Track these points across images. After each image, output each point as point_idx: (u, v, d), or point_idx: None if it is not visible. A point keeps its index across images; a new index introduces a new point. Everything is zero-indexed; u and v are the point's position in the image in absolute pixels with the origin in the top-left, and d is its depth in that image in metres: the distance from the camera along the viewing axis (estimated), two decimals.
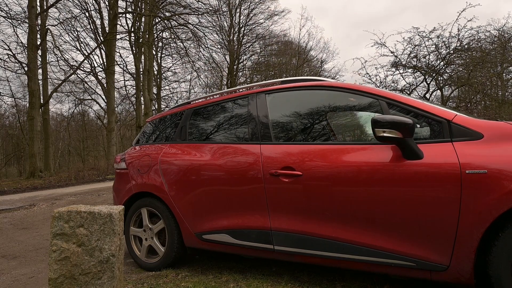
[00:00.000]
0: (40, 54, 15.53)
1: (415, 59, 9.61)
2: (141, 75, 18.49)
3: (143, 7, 17.69)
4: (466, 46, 9.16)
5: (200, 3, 17.22)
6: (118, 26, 16.85)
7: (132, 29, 17.66)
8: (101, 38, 17.20)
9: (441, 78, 9.84)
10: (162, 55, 23.23)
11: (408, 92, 10.01)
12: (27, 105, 16.51)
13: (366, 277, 2.32)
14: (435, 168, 1.74)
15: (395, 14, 46.75)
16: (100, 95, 20.44)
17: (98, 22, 17.31)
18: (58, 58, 16.28)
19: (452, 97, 10.70)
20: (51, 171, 16.28)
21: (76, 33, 17.25)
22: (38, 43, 14.95)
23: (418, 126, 2.01)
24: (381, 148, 1.94)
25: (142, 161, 2.99)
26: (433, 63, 9.51)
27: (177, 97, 24.39)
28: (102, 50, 17.96)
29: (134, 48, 18.59)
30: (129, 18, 18.52)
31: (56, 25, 16.26)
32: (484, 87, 9.76)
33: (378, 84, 10.06)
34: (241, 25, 24.73)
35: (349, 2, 48.39)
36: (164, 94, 24.19)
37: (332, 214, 2.03)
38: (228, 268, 2.73)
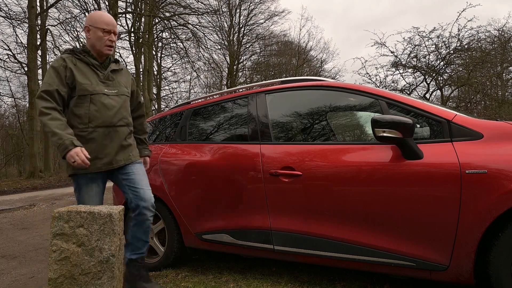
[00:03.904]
0: (40, 54, 15.52)
1: (415, 59, 9.62)
2: (141, 75, 18.49)
3: (143, 7, 17.69)
4: (466, 46, 9.16)
5: (200, 3, 17.21)
6: (118, 26, 16.84)
7: (132, 29, 17.65)
8: None
9: (441, 78, 9.85)
10: (162, 55, 23.22)
11: (408, 92, 10.02)
12: (27, 105, 16.51)
13: (366, 277, 2.32)
14: (435, 168, 1.74)
15: (394, 17, 46.76)
16: None
17: None
18: None
19: (452, 97, 10.71)
20: (51, 171, 16.27)
21: (76, 33, 17.23)
22: (38, 43, 14.94)
23: (418, 126, 2.01)
24: (381, 148, 1.94)
25: None
26: (433, 63, 9.52)
27: (177, 97, 24.39)
28: None
29: (134, 48, 18.57)
30: (129, 18, 18.50)
31: (56, 25, 16.22)
32: (484, 87, 9.76)
33: (378, 84, 10.07)
34: (241, 25, 24.71)
35: (349, 5, 48.40)
36: (164, 94, 24.19)
37: (332, 214, 2.03)
38: (228, 268, 2.73)
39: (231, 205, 2.42)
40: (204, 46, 18.80)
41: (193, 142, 2.80)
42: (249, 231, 2.33)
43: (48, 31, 15.75)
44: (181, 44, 18.41)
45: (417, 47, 9.48)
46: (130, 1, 16.88)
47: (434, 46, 9.31)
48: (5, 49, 15.22)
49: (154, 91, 22.04)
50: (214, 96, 2.95)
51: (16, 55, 15.31)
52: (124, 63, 19.54)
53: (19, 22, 14.96)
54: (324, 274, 2.43)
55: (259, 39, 24.89)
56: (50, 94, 1.98)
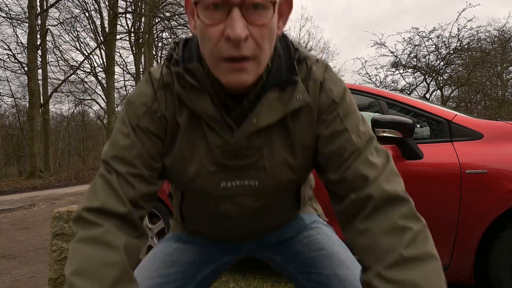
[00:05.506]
0: (40, 54, 15.53)
1: (415, 59, 9.63)
2: (141, 75, 18.50)
3: (143, 7, 17.69)
4: (466, 46, 9.17)
5: None
6: (118, 26, 16.84)
7: (132, 29, 17.66)
8: (101, 38, 17.18)
9: (441, 78, 9.85)
10: (162, 55, 23.23)
11: (408, 92, 10.02)
12: (27, 105, 16.51)
13: None
14: (435, 168, 1.74)
15: (394, 17, 46.86)
16: (100, 95, 20.43)
17: (98, 22, 17.31)
18: (58, 58, 16.29)
19: (452, 97, 10.71)
20: (51, 171, 16.28)
21: (76, 33, 17.24)
22: (38, 43, 14.96)
23: (418, 126, 2.01)
24: None
25: None
26: (433, 63, 9.52)
27: None
28: (102, 50, 17.95)
29: (134, 48, 18.59)
30: (129, 18, 18.51)
31: (56, 25, 16.25)
32: (484, 87, 9.77)
33: (378, 84, 10.07)
34: None
35: (349, 5, 48.46)
36: None
37: (332, 214, 2.02)
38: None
39: None
40: None
41: None
42: None
43: (48, 31, 15.78)
44: None
45: (417, 47, 9.49)
46: (130, 1, 16.88)
47: (434, 46, 9.32)
48: (5, 49, 15.26)
49: None
50: None
51: (16, 55, 15.34)
52: (124, 63, 19.51)
53: (19, 22, 14.99)
54: None
55: None
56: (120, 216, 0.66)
